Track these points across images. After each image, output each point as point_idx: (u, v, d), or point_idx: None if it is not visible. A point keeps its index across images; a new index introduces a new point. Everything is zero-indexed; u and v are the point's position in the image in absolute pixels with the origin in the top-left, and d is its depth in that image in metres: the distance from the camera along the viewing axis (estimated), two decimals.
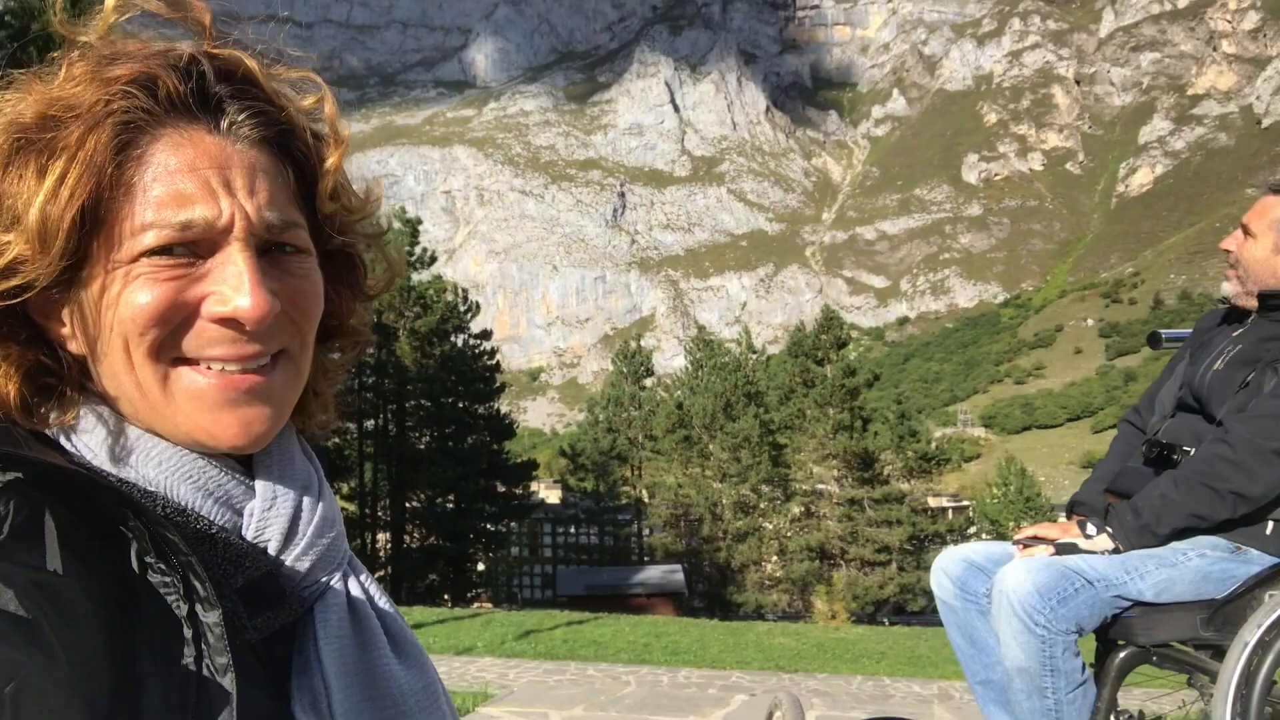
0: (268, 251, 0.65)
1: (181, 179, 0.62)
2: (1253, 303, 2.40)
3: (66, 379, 0.64)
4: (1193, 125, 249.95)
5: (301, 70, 0.72)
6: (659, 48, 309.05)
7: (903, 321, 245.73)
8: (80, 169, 0.59)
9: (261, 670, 0.63)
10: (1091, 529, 2.27)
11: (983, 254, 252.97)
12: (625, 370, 47.25)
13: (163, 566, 0.56)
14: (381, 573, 37.77)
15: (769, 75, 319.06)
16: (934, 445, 41.11)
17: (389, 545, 35.56)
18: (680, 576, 36.22)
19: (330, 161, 0.70)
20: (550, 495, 60.25)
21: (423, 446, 36.59)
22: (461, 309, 40.53)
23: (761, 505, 39.14)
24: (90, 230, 0.61)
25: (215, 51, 0.66)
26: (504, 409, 43.06)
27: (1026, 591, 2.12)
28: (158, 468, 0.63)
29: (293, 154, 0.69)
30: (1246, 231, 2.43)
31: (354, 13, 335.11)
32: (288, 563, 0.66)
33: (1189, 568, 2.18)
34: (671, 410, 42.67)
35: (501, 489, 37.76)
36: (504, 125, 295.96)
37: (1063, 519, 2.49)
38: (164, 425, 0.63)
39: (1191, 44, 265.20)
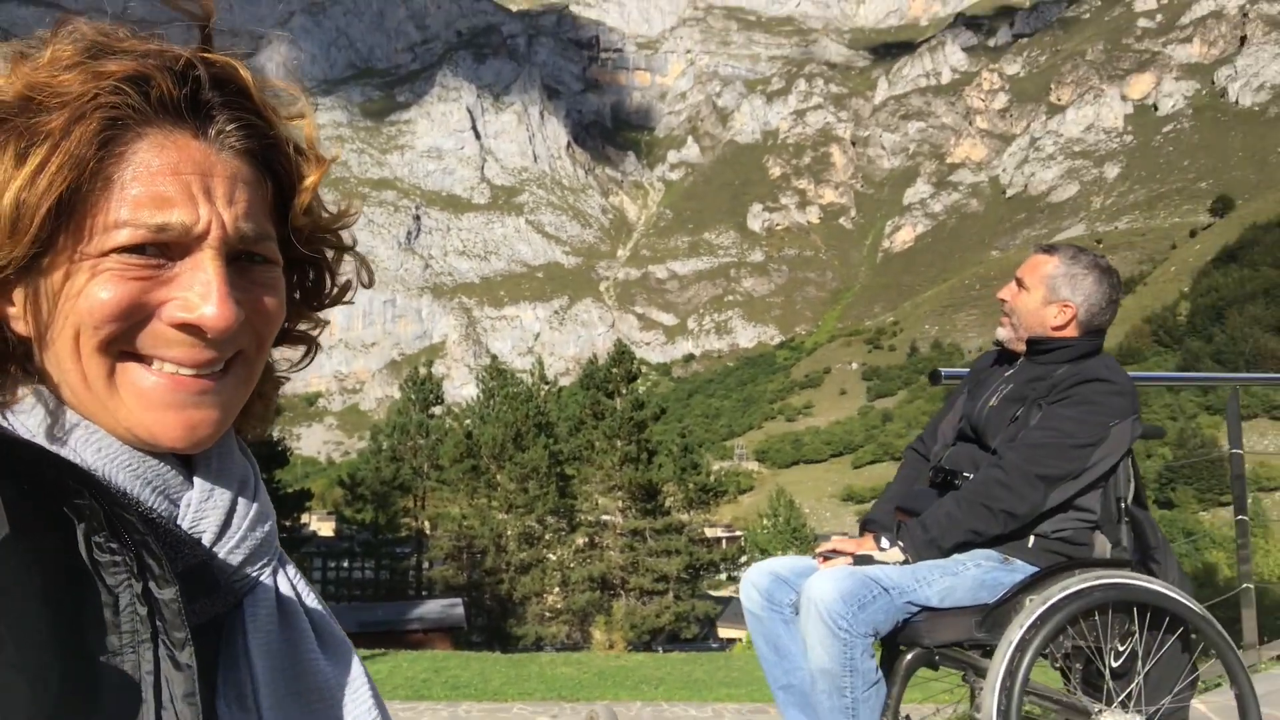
0: (236, 259, 0.65)
1: (162, 181, 0.61)
2: (1022, 347, 2.72)
3: (9, 357, 0.63)
4: (949, 190, 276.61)
5: (291, 86, 0.73)
6: (462, 73, 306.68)
7: (688, 359, 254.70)
8: (62, 159, 0.59)
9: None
10: (885, 542, 2.52)
11: (763, 298, 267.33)
12: (414, 397, 45.91)
13: (114, 545, 0.56)
14: None
15: (571, 111, 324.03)
16: (713, 478, 42.58)
17: None
18: (460, 610, 35.30)
19: (310, 180, 0.71)
20: (324, 528, 57.21)
21: None
22: None
23: (547, 536, 38.99)
24: (62, 220, 0.60)
25: (210, 57, 0.66)
26: (275, 434, 40.63)
27: (831, 598, 2.31)
28: (96, 454, 0.62)
29: (273, 167, 0.69)
30: (1020, 284, 2.72)
31: (131, 8, 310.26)
32: (222, 554, 0.67)
33: (968, 576, 2.42)
34: (460, 439, 41.83)
35: (284, 522, 35.53)
36: None
37: (852, 536, 2.72)
38: (105, 419, 0.63)
39: (951, 117, 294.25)
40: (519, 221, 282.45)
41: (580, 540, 39.21)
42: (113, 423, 0.63)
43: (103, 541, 0.56)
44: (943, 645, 2.41)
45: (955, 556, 2.46)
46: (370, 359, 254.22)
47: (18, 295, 0.62)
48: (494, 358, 53.38)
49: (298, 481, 52.13)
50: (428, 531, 43.45)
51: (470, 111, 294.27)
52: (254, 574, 0.69)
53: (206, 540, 0.66)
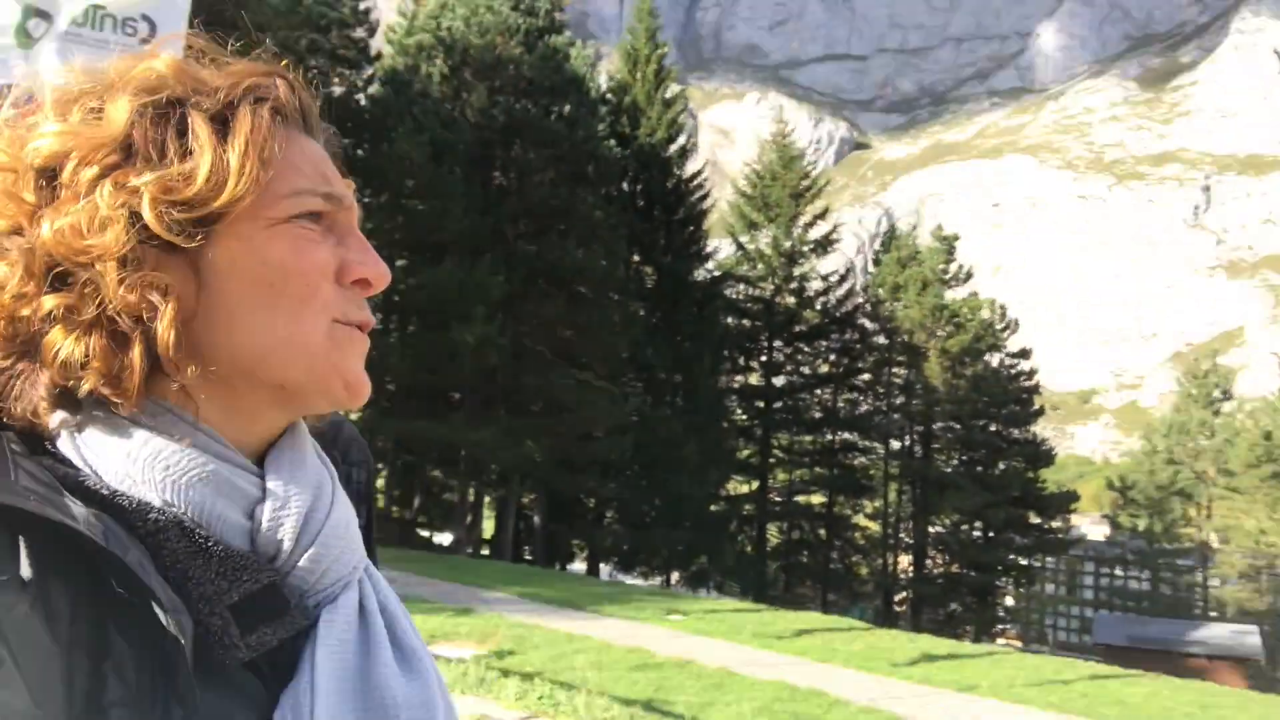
0: None
1: (323, 161, 0.69)
2: None
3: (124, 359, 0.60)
4: None
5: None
6: (1266, 9, 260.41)
7: None
8: (253, 121, 0.64)
9: (258, 690, 0.61)
10: None
11: None
12: (1194, 392, 41.51)
13: (133, 598, 0.54)
14: (901, 595, 38.12)
15: None
16: None
17: (910, 569, 35.81)
18: (1256, 640, 30.80)
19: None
20: (1093, 531, 54.87)
21: (949, 470, 36.22)
22: (999, 327, 39.30)
23: None
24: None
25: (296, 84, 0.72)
26: (1043, 434, 40.72)
27: None
28: (165, 471, 0.60)
29: None
30: None
31: (908, 37, 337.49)
32: (296, 570, 0.64)
33: None
34: (1256, 441, 36.45)
35: (1035, 520, 35.76)
36: (1062, 127, 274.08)
37: None
38: (298, 375, 0.65)
39: None
40: None
41: None
42: (312, 379, 0.65)
43: (123, 595, 0.53)
44: None
45: None
46: (1150, 351, 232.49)
47: (171, 276, 0.61)
48: None
49: (1069, 482, 51.10)
50: (1215, 545, 38.79)
51: (1278, 52, 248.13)
52: (331, 590, 0.66)
53: (281, 556, 0.64)
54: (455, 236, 24.92)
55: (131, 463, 0.61)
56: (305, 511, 0.65)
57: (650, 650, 9.92)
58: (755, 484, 37.62)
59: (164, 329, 0.60)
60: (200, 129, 0.63)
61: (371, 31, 27.59)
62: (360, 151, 26.07)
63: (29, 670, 0.50)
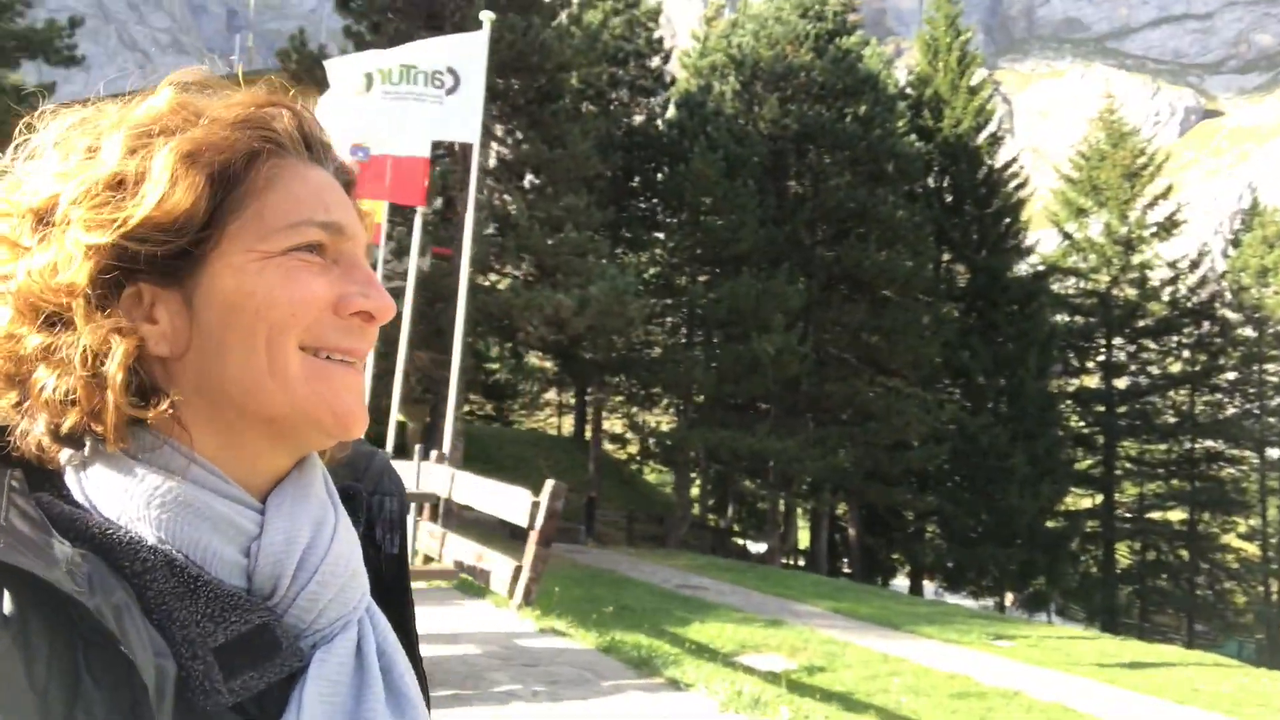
0: None
1: (324, 190, 0.68)
2: None
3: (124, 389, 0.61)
4: None
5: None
6: None
7: None
8: (217, 142, 0.63)
9: None
10: None
11: None
12: None
13: (107, 641, 0.54)
14: None
15: None
16: None
17: None
18: None
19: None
20: None
21: None
22: None
23: None
24: (218, 224, 0.63)
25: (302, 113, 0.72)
26: None
27: None
28: (159, 507, 0.61)
29: None
30: None
31: None
32: (292, 609, 0.64)
33: None
34: None
35: None
36: None
37: None
38: (282, 408, 0.64)
39: None
40: None
41: None
42: (295, 414, 0.64)
43: (92, 644, 0.54)
44: None
45: None
46: None
47: (164, 310, 0.62)
48: None
49: None
50: None
51: None
52: (329, 630, 0.65)
53: (275, 595, 0.63)
54: (751, 248, 25.17)
55: (128, 499, 0.61)
56: (303, 549, 0.65)
57: (973, 678, 9.27)
58: (1099, 498, 35.14)
59: (114, 369, 0.60)
60: (167, 160, 0.62)
61: (666, 59, 28.64)
62: (659, 174, 27.04)
63: (4, 706, 0.50)
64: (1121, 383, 35.60)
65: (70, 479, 0.62)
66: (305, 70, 13.59)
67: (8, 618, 0.52)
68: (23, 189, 0.63)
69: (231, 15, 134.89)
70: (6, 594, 0.52)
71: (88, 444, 0.62)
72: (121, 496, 0.61)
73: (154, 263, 0.61)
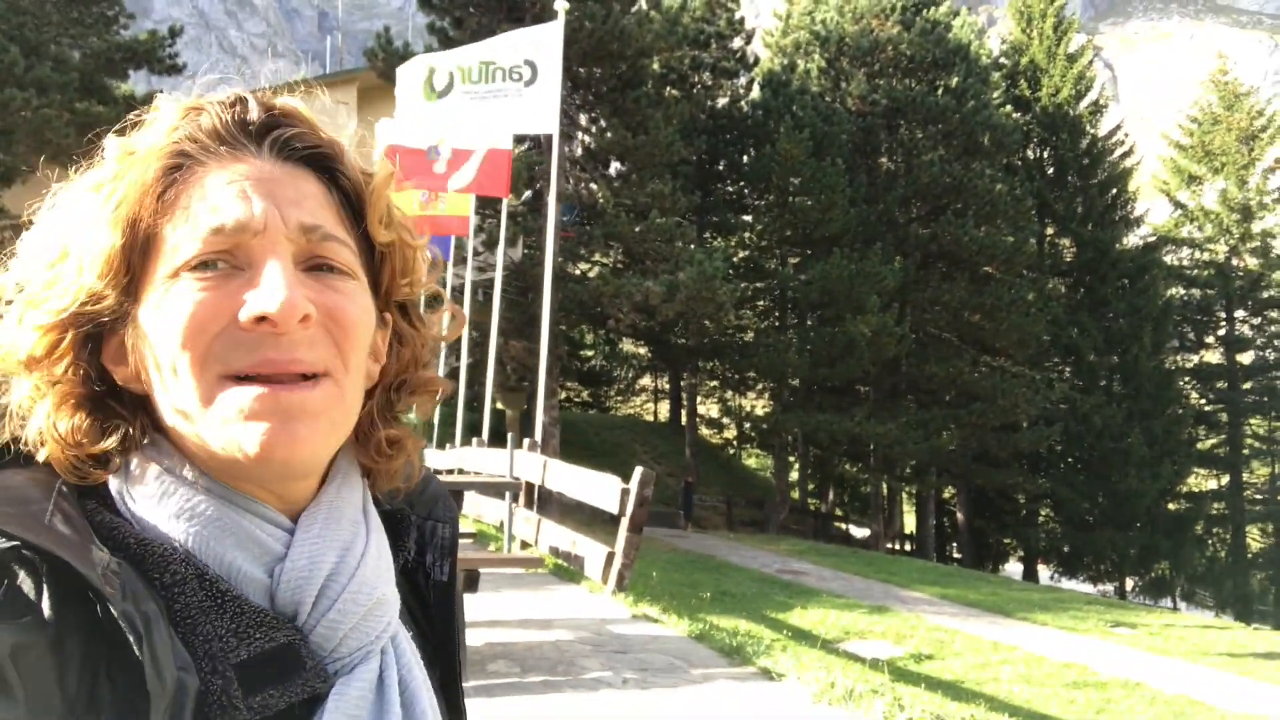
0: (314, 269, 0.64)
1: (218, 192, 0.62)
2: None
3: (134, 425, 0.64)
4: None
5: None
6: None
7: None
8: (124, 186, 0.62)
9: None
10: None
11: None
12: None
13: (129, 651, 0.53)
14: None
15: None
16: None
17: None
18: None
19: (377, 179, 0.69)
20: None
21: None
22: None
23: None
24: (143, 255, 0.62)
25: (267, 99, 0.68)
26: None
27: None
28: (189, 522, 0.61)
29: (339, 182, 0.68)
30: None
31: None
32: (312, 633, 0.62)
33: None
34: None
35: None
36: None
37: None
38: (206, 445, 0.61)
39: None
40: None
41: None
42: (211, 450, 0.61)
43: (117, 651, 0.54)
44: None
45: None
46: None
47: (129, 353, 0.63)
48: None
49: None
50: None
51: None
52: (350, 659, 0.63)
53: (299, 617, 0.62)
54: (842, 228, 24.64)
55: (162, 512, 0.61)
56: (326, 575, 0.63)
57: (1090, 667, 8.86)
58: (1225, 479, 33.60)
59: (46, 417, 0.62)
60: (87, 241, 0.62)
61: (748, 39, 28.18)
62: (745, 157, 26.65)
63: (35, 710, 0.50)
64: (1245, 357, 33.92)
65: (114, 490, 0.63)
66: (391, 68, 13.80)
67: (46, 620, 0.52)
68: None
69: (323, 17, 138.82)
70: (45, 594, 0.52)
71: (133, 460, 0.63)
72: (156, 510, 0.61)
73: (91, 301, 0.61)
